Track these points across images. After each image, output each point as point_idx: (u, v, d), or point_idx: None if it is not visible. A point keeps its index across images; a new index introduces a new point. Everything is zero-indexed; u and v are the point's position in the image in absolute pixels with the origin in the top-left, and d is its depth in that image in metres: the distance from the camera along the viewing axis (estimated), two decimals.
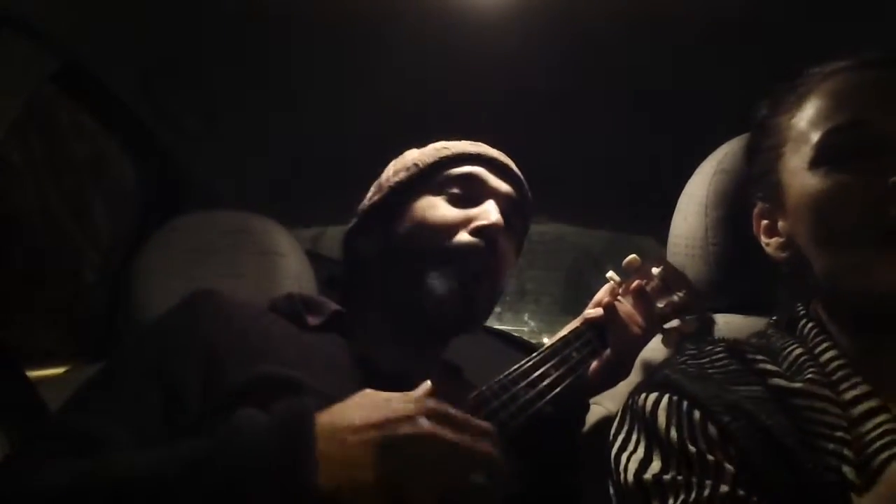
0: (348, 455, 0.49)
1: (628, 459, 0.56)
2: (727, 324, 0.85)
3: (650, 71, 1.22)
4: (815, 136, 0.60)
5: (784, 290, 0.71)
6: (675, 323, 0.81)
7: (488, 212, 0.77)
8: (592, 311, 0.78)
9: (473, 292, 0.75)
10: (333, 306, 0.80)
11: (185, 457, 0.49)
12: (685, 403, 0.55)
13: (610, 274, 0.83)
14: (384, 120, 1.37)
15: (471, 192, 0.80)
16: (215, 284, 1.09)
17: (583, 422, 0.80)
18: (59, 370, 1.24)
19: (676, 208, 0.92)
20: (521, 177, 0.87)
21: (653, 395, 0.58)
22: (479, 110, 1.25)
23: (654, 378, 0.61)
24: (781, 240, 0.66)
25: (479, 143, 0.87)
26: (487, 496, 0.50)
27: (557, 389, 0.69)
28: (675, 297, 0.81)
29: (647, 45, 1.14)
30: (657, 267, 0.84)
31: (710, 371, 0.60)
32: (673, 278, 0.83)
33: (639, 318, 0.77)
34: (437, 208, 0.79)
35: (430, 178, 0.82)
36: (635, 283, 0.81)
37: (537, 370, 0.70)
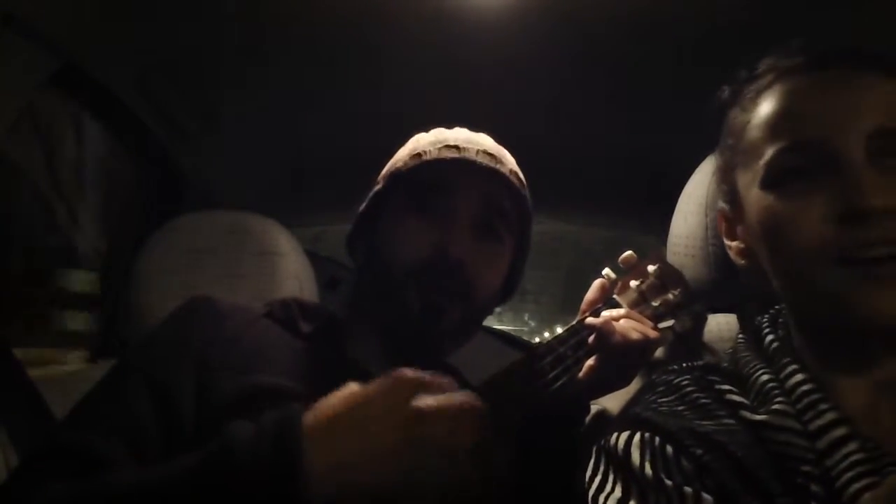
0: (338, 458, 0.49)
1: (606, 499, 0.55)
2: (727, 324, 0.85)
3: (650, 71, 1.22)
4: (765, 153, 0.56)
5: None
6: (669, 322, 0.81)
7: (452, 234, 0.74)
8: (591, 319, 0.76)
9: (439, 312, 0.73)
10: (328, 313, 0.80)
11: (177, 474, 0.50)
12: (657, 439, 0.54)
13: (606, 271, 0.82)
14: (384, 120, 1.38)
15: (444, 202, 0.76)
16: (215, 284, 1.10)
17: (582, 422, 0.80)
18: (59, 370, 1.24)
19: (676, 208, 0.92)
20: (510, 169, 0.81)
21: (624, 434, 0.57)
22: (478, 110, 1.25)
23: (625, 417, 0.60)
24: (742, 246, 0.63)
25: (460, 142, 0.80)
26: (485, 459, 0.51)
27: (552, 388, 0.69)
28: (671, 296, 0.81)
29: (647, 45, 1.14)
30: (653, 265, 0.83)
31: (679, 408, 0.58)
32: (669, 276, 0.83)
33: (637, 328, 0.74)
34: (404, 224, 0.77)
35: (406, 185, 0.79)
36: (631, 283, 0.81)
37: (531, 367, 0.70)
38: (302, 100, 1.35)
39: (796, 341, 0.59)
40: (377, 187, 0.83)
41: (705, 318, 0.85)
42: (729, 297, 0.86)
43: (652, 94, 1.29)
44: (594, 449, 0.60)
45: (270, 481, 0.47)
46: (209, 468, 0.49)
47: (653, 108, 1.32)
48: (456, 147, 0.78)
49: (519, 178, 0.83)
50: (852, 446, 0.50)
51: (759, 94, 0.59)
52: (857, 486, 0.48)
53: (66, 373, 1.21)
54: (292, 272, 1.16)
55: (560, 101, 1.32)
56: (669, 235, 0.92)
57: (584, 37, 1.14)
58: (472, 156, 0.77)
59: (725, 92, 0.66)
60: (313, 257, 1.27)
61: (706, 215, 0.84)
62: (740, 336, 0.65)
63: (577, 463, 0.76)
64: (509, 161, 0.83)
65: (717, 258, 0.83)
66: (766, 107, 0.58)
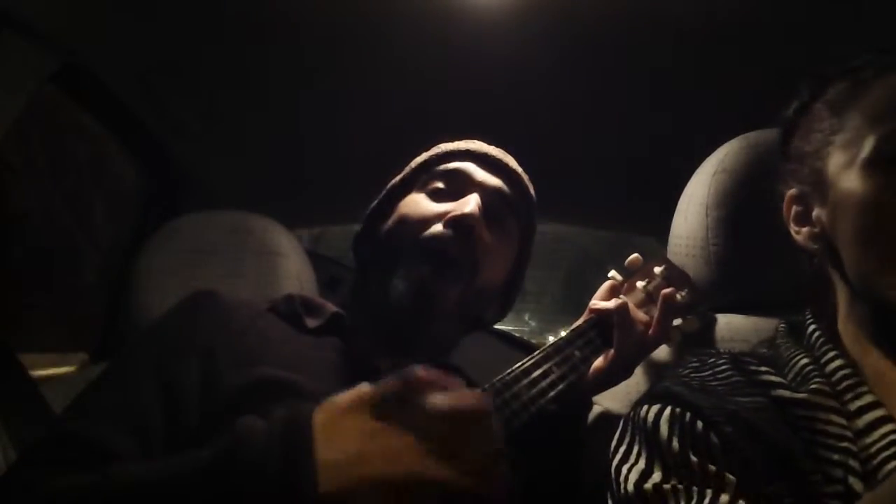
0: (348, 454, 0.49)
1: (629, 471, 0.55)
2: (728, 324, 0.85)
3: (650, 71, 1.22)
4: (872, 135, 0.56)
5: (806, 288, 0.69)
6: (677, 322, 0.81)
7: (464, 203, 0.76)
8: (601, 304, 0.78)
9: (438, 284, 0.74)
10: (332, 308, 0.80)
11: (187, 470, 0.49)
12: (688, 414, 0.55)
13: (612, 273, 0.83)
14: (384, 120, 1.38)
15: (455, 187, 0.80)
16: (215, 284, 1.09)
17: (585, 419, 0.80)
18: (60, 370, 1.24)
19: (677, 208, 0.92)
20: (520, 172, 0.87)
21: (655, 407, 0.57)
22: (479, 110, 1.25)
23: (656, 390, 0.60)
24: (815, 230, 0.62)
25: (477, 141, 0.87)
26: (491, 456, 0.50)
27: (559, 387, 0.70)
28: (678, 297, 0.81)
29: (647, 45, 1.14)
30: (659, 266, 0.83)
31: (712, 383, 0.59)
32: (675, 278, 0.83)
33: (646, 319, 0.76)
34: (417, 204, 0.79)
35: (420, 177, 0.83)
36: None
37: (539, 368, 0.70)
38: (301, 100, 1.35)
39: (843, 332, 0.61)
40: (395, 179, 0.86)
41: (715, 320, 0.85)
42: (729, 297, 0.86)
43: (652, 94, 1.29)
44: (622, 420, 0.61)
45: (281, 478, 0.47)
46: (219, 465, 0.48)
47: (653, 108, 1.32)
48: (472, 141, 0.87)
49: (527, 180, 0.88)
50: (890, 426, 0.51)
51: (865, 83, 0.60)
52: (893, 463, 0.49)
53: (66, 374, 1.21)
54: (293, 272, 1.16)
55: (560, 100, 1.32)
56: (670, 236, 0.92)
57: (584, 37, 1.14)
58: (484, 149, 0.85)
59: (810, 84, 0.66)
60: (313, 257, 1.27)
61: (707, 215, 0.84)
62: (781, 325, 0.66)
63: (581, 460, 0.76)
64: (518, 166, 0.89)
65: (718, 258, 0.83)
66: (875, 93, 0.59)
